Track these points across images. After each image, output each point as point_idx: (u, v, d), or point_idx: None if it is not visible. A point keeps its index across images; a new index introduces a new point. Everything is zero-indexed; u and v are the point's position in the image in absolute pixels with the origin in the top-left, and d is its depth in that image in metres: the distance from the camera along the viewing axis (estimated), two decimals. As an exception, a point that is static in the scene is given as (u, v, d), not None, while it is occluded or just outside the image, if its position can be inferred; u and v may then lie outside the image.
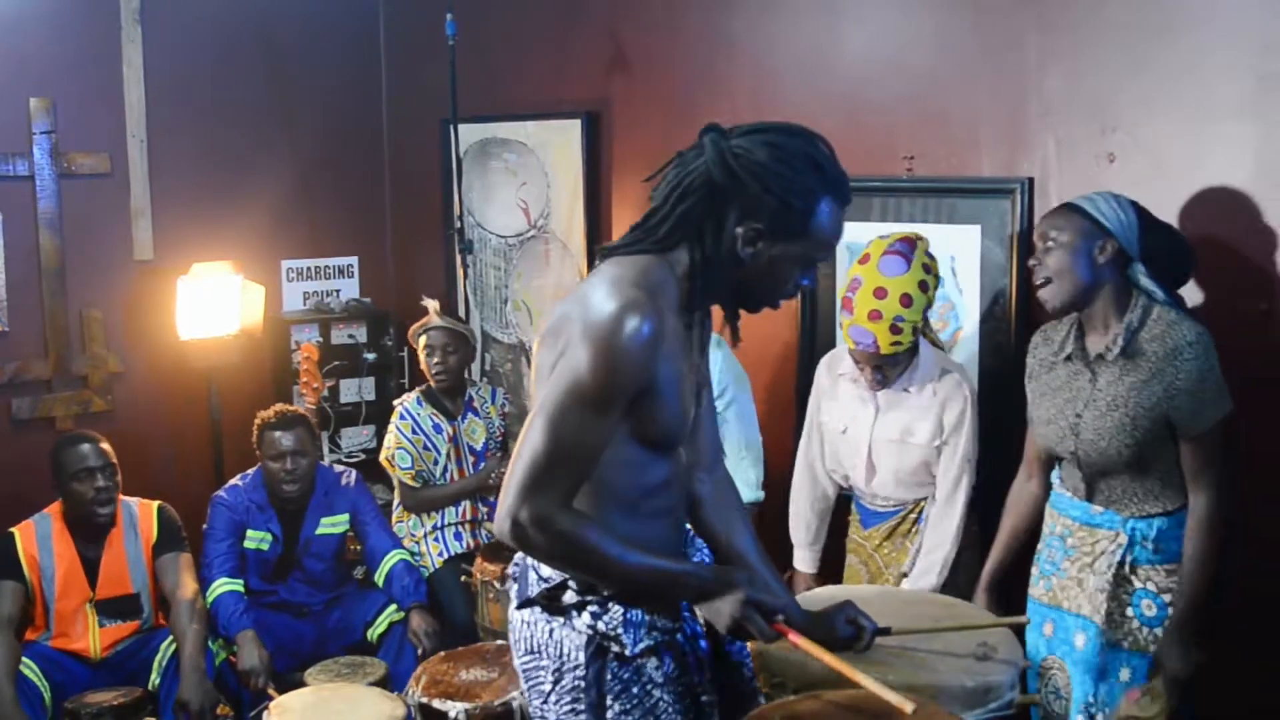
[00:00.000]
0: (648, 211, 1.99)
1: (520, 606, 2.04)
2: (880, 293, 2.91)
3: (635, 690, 1.96)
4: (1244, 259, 2.83)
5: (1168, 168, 2.93)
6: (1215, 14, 2.85)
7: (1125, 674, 2.61)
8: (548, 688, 1.99)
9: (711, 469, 2.22)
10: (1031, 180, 3.20)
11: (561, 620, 1.98)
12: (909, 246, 2.98)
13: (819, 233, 1.93)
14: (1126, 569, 2.60)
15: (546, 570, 1.99)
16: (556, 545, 1.85)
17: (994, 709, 2.21)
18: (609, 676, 1.95)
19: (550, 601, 1.99)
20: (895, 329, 2.91)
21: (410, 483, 4.16)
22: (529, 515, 1.83)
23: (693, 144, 1.97)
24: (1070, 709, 2.66)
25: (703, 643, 2.04)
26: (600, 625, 1.95)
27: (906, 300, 2.91)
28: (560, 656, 1.97)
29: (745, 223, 1.90)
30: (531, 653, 2.02)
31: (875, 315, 2.90)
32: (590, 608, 1.96)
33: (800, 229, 1.91)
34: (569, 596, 1.97)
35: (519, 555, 2.05)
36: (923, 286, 2.95)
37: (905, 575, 3.10)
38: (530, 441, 1.84)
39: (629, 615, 1.95)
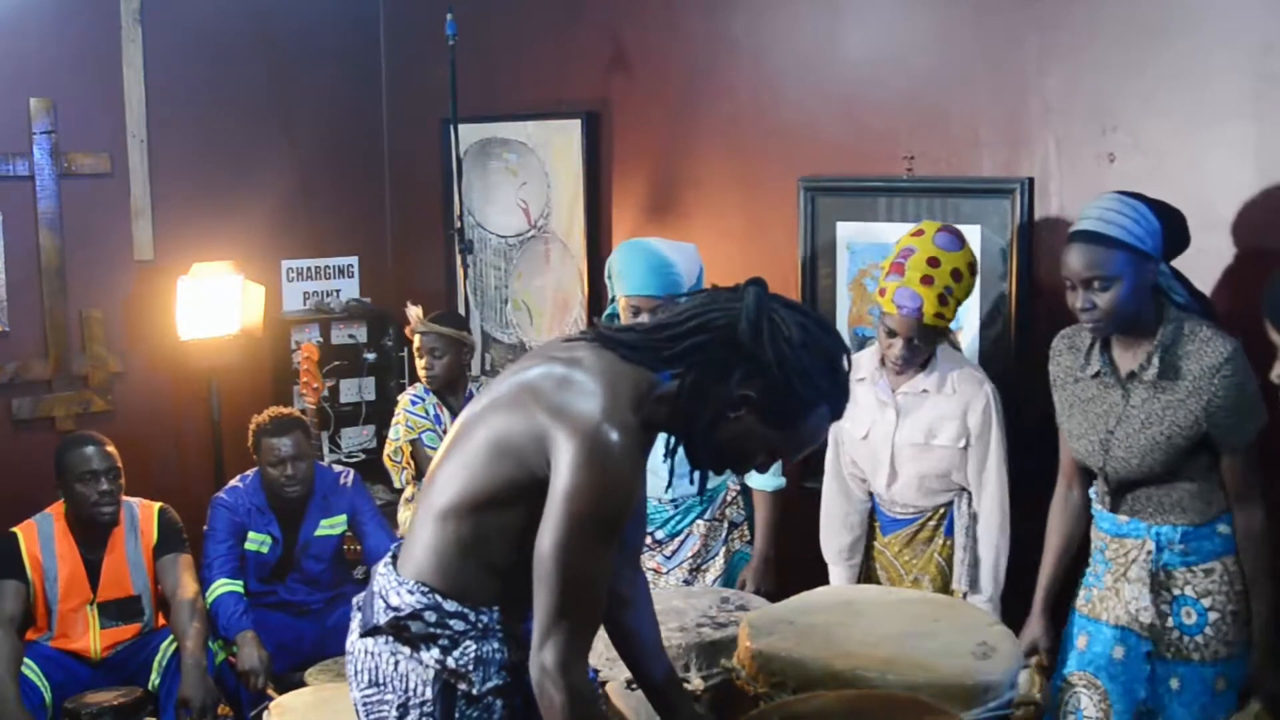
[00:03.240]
0: (660, 322, 1.94)
1: (365, 635, 1.97)
2: (934, 261, 2.91)
3: None
4: (1244, 258, 2.83)
5: (1168, 168, 2.93)
6: (1215, 14, 2.85)
7: (1174, 683, 2.57)
8: None
9: (634, 562, 2.21)
10: (1032, 180, 3.20)
11: (409, 652, 1.92)
12: (959, 232, 3.01)
13: (802, 431, 1.90)
14: (1161, 575, 2.57)
15: (395, 599, 1.93)
16: (566, 700, 1.78)
17: (993, 708, 2.21)
18: (457, 715, 1.90)
19: (398, 631, 1.93)
20: (943, 299, 2.91)
21: None
22: (553, 659, 1.79)
23: (735, 286, 1.91)
24: None
25: None
26: (450, 661, 1.90)
27: (957, 275, 2.92)
28: (406, 690, 1.91)
29: (745, 385, 1.85)
30: (375, 685, 1.95)
31: (928, 280, 2.90)
32: (440, 642, 1.90)
33: (789, 419, 1.88)
34: (418, 627, 1.91)
35: (374, 583, 2.00)
36: (970, 269, 2.97)
37: (960, 593, 3.04)
38: (543, 578, 1.80)
39: (480, 653, 1.91)
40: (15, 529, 3.71)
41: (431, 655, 1.90)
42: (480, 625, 1.91)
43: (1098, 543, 2.71)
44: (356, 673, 1.98)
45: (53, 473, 3.75)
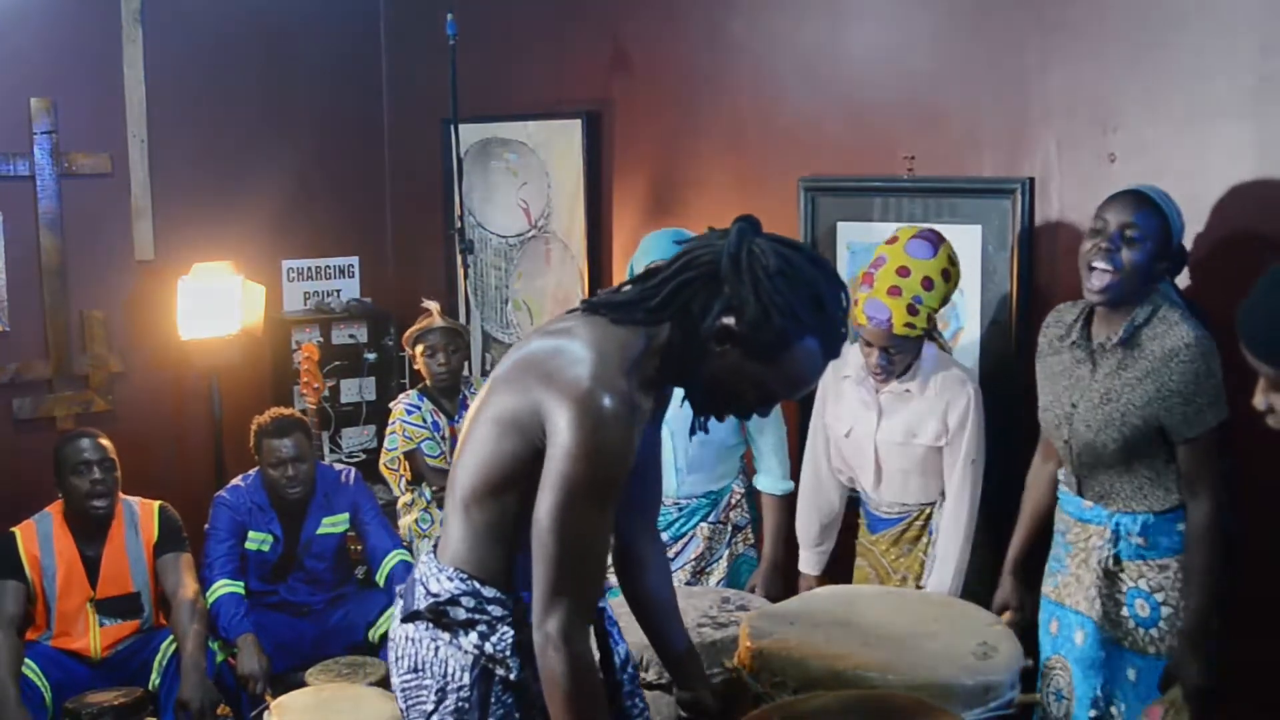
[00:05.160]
0: (652, 269, 1.97)
1: (405, 620, 1.99)
2: (903, 271, 2.91)
3: (519, 715, 1.93)
4: (1244, 258, 2.83)
5: (1168, 168, 2.93)
6: (1215, 14, 2.85)
7: (1131, 674, 2.60)
8: (430, 708, 1.95)
9: (650, 525, 2.23)
10: (1032, 180, 3.20)
11: (448, 638, 1.94)
12: (937, 236, 2.99)
13: (788, 365, 1.87)
14: (1115, 564, 2.60)
15: (435, 585, 1.95)
16: (568, 667, 1.80)
17: (994, 708, 2.22)
18: (493, 700, 1.92)
19: (438, 617, 1.95)
20: (912, 310, 2.90)
21: (443, 465, 4.11)
22: (556, 626, 1.81)
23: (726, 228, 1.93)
24: (1073, 709, 2.66)
25: None
26: (487, 647, 1.92)
27: (928, 283, 2.91)
28: (445, 676, 1.93)
29: (725, 317, 1.86)
30: (414, 671, 1.97)
31: (895, 291, 2.89)
32: (479, 627, 1.92)
33: (771, 351, 1.86)
34: (456, 613, 1.93)
35: (415, 571, 2.03)
36: (945, 275, 2.95)
37: (921, 587, 3.07)
38: (541, 545, 1.81)
39: (519, 638, 1.92)
40: (14, 529, 3.71)
41: (470, 640, 1.93)
42: (518, 611, 1.93)
43: (1060, 526, 2.76)
44: (397, 659, 2.01)
45: (53, 472, 3.75)
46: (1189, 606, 2.52)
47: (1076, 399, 2.62)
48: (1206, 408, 2.48)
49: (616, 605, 2.89)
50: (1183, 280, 2.88)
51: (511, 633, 1.93)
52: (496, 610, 1.93)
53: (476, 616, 1.93)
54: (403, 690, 2.00)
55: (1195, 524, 2.52)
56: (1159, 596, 2.57)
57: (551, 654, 1.81)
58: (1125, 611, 2.60)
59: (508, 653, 1.92)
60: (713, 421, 3.25)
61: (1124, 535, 2.59)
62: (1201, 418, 2.48)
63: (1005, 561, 2.90)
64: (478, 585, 1.93)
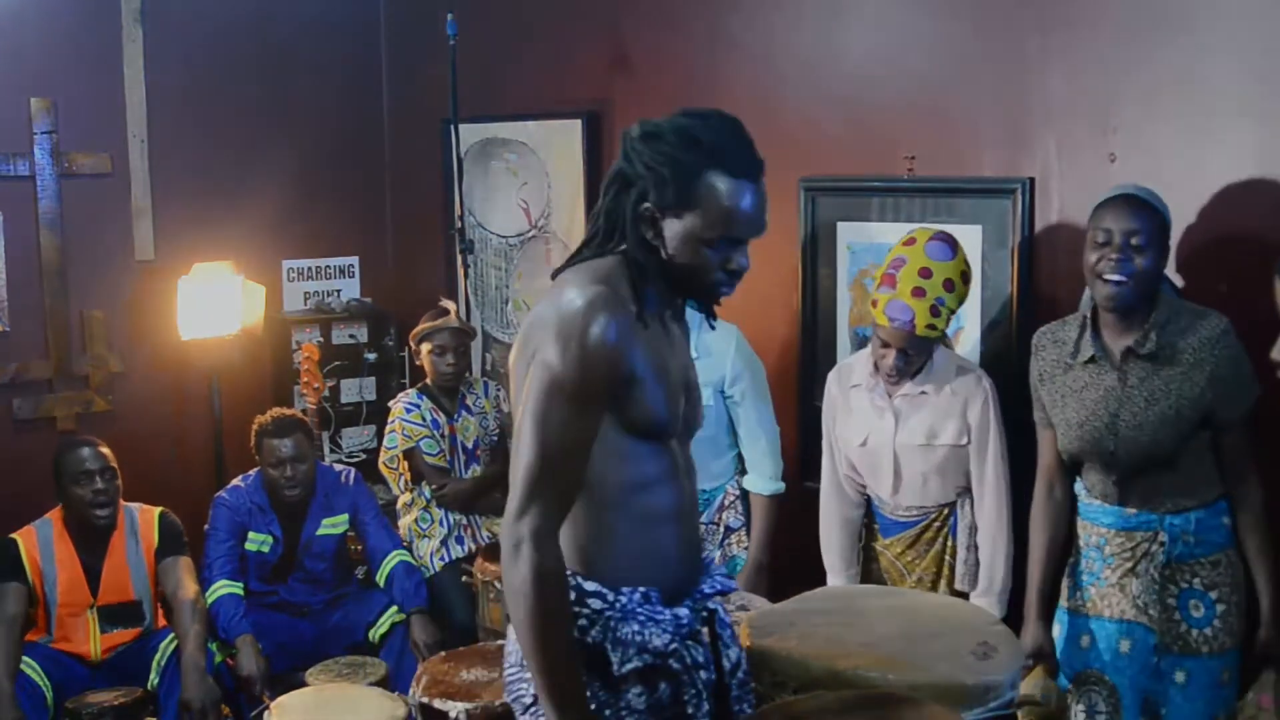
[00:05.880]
0: (597, 206, 2.04)
1: None
2: (925, 272, 2.91)
3: (609, 714, 1.92)
4: (1244, 258, 2.84)
5: (1168, 167, 2.93)
6: (1215, 14, 2.85)
7: (1180, 676, 2.60)
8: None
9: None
10: (1033, 180, 3.20)
11: None
12: (952, 239, 3.00)
13: (709, 205, 1.89)
14: (1171, 568, 2.60)
15: None
16: (537, 569, 1.82)
17: (994, 708, 2.22)
18: (587, 694, 1.91)
19: None
20: (934, 311, 2.91)
21: (442, 464, 4.13)
22: (530, 527, 1.83)
23: None
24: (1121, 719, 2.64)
25: (703, 674, 2.01)
26: (587, 640, 1.92)
27: (949, 285, 2.92)
28: None
29: (640, 205, 1.93)
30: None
31: (919, 292, 2.90)
32: (579, 621, 1.92)
33: (686, 201, 1.90)
34: None
35: None
36: (964, 277, 2.97)
37: (960, 593, 3.03)
38: (521, 450, 1.86)
39: (620, 634, 1.92)
40: (14, 535, 3.70)
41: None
42: (618, 606, 1.93)
43: (1094, 539, 2.71)
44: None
45: (53, 477, 3.74)
46: (1267, 588, 2.58)
47: (1116, 408, 2.61)
48: (1248, 387, 2.56)
49: None
50: (1182, 279, 2.89)
51: (611, 627, 1.92)
52: (596, 604, 1.93)
53: (578, 609, 1.93)
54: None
55: (1253, 504, 2.60)
56: (1213, 595, 2.59)
57: (524, 552, 1.82)
58: (1178, 615, 2.60)
59: (609, 647, 1.91)
60: (706, 417, 3.27)
61: (1178, 537, 2.59)
62: (1246, 396, 2.56)
63: (1031, 604, 2.79)
64: (580, 580, 1.94)
